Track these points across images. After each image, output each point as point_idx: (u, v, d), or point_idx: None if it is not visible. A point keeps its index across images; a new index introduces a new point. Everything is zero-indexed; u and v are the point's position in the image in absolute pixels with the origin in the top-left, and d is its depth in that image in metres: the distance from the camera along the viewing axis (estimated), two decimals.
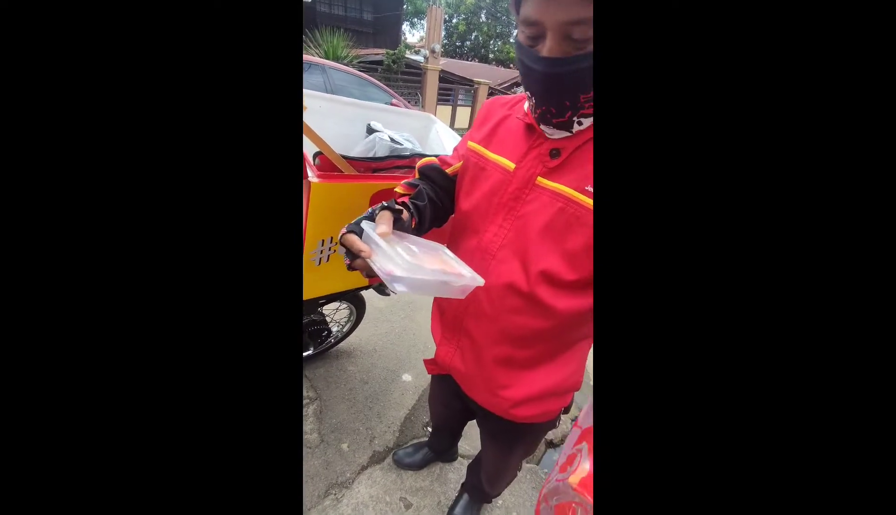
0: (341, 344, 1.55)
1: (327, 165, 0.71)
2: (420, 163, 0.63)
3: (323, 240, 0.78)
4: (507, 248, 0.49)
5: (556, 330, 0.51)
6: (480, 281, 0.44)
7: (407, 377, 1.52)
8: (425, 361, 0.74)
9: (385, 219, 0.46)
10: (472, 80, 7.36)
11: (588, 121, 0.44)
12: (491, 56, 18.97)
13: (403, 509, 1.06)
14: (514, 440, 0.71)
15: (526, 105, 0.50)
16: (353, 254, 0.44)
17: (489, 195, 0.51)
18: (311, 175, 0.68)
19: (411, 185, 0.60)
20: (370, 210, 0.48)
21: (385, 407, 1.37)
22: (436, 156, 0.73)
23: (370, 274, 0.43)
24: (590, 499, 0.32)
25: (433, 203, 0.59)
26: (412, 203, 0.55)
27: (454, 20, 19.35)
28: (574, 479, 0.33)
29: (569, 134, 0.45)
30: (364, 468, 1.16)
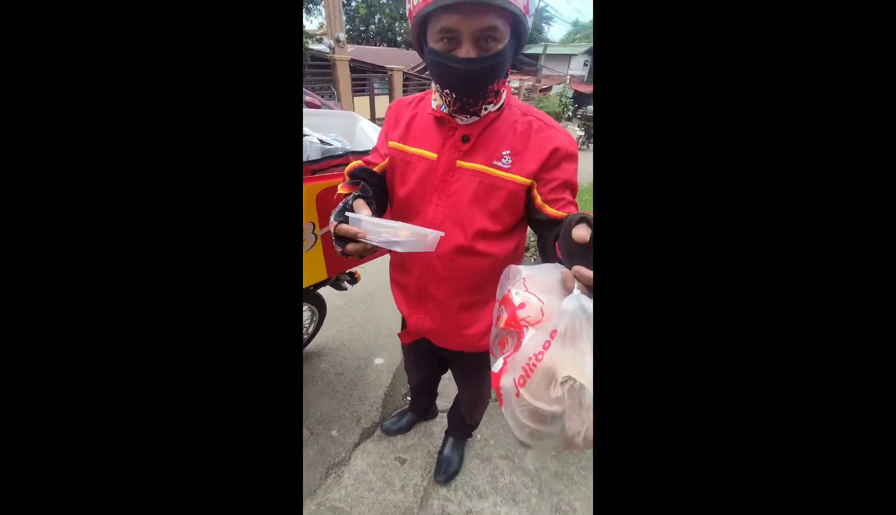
0: (309, 346, 1.60)
1: None
2: (348, 168, 0.71)
3: None
4: (447, 221, 0.63)
5: (494, 269, 0.66)
6: (441, 233, 0.54)
7: (379, 360, 1.63)
8: (399, 335, 0.88)
9: (362, 205, 0.58)
10: (384, 67, 7.23)
11: (491, 107, 0.58)
12: (399, 39, 18.55)
13: (399, 465, 1.21)
14: (483, 369, 0.88)
15: (434, 103, 0.63)
16: (344, 241, 0.53)
17: (420, 182, 0.64)
18: None
19: (352, 184, 0.68)
20: (342, 203, 0.59)
21: (364, 390, 1.48)
22: (361, 157, 0.85)
23: (362, 254, 0.54)
24: (518, 330, 0.41)
25: (375, 198, 0.70)
26: (363, 197, 0.65)
27: (353, 3, 18.40)
28: (501, 323, 0.45)
29: (478, 118, 0.59)
30: (357, 444, 1.27)
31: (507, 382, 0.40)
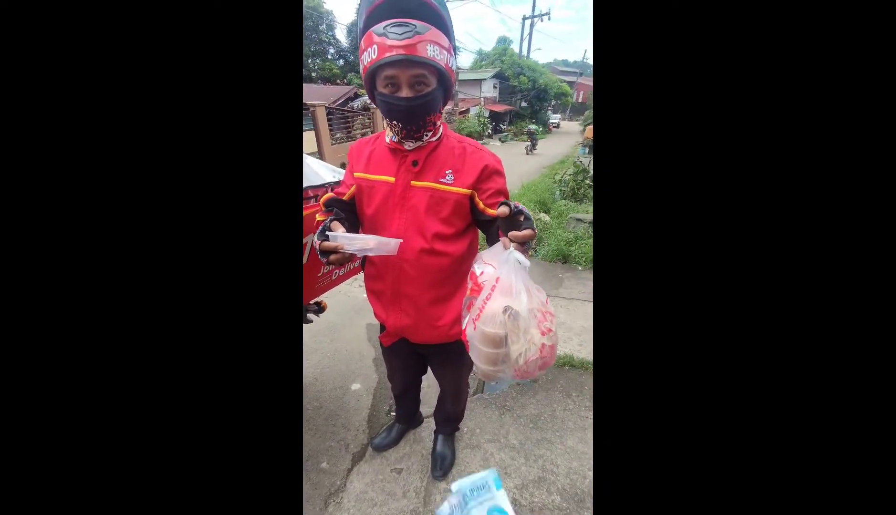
0: None
1: None
2: (322, 199, 0.87)
3: None
4: (409, 230, 0.79)
5: (454, 265, 0.83)
6: (400, 240, 0.73)
7: (356, 385, 1.65)
8: (380, 337, 0.97)
9: (338, 225, 0.75)
10: (306, 104, 7.21)
11: (429, 136, 0.77)
12: (314, 75, 18.53)
13: (397, 475, 1.25)
14: (458, 357, 1.01)
15: (388, 137, 0.80)
16: (327, 253, 0.69)
17: (384, 201, 0.80)
18: None
19: (327, 211, 0.85)
20: (321, 227, 0.74)
21: (347, 417, 1.49)
22: (324, 185, 0.98)
23: (342, 262, 0.70)
24: (479, 292, 0.55)
25: (348, 222, 0.86)
26: (336, 218, 0.81)
27: None
28: (468, 291, 0.59)
29: (421, 143, 0.77)
30: (349, 470, 1.28)
31: (469, 330, 0.54)
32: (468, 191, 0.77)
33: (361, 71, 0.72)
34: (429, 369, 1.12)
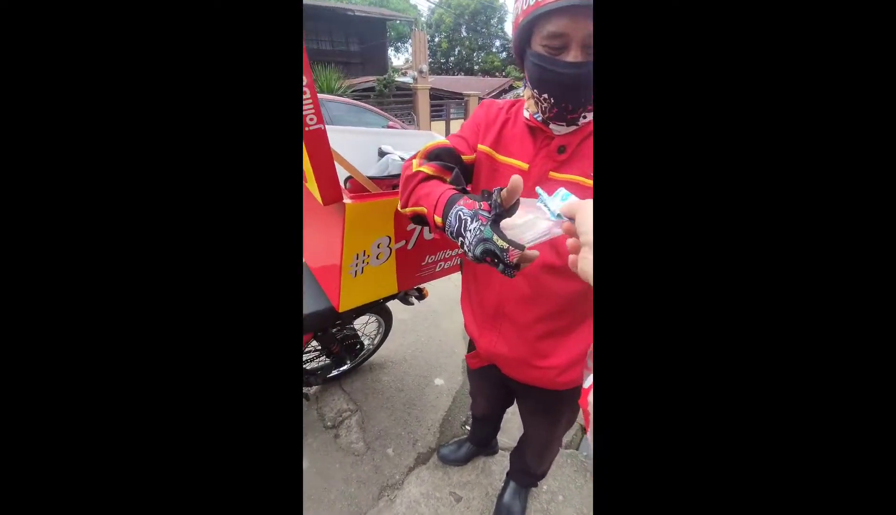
0: (373, 357, 1.63)
1: (356, 187, 0.81)
2: (431, 144, 0.62)
3: (358, 254, 0.87)
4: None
5: (585, 292, 0.58)
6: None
7: (439, 381, 1.58)
8: (467, 357, 0.81)
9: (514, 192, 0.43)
10: (461, 94, 7.59)
11: (590, 116, 0.52)
12: (476, 67, 19.44)
13: (454, 502, 1.11)
14: (558, 410, 0.77)
15: (527, 112, 0.58)
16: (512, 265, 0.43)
17: None
18: (345, 197, 0.77)
19: (446, 168, 0.59)
20: (473, 211, 0.45)
21: (423, 411, 1.43)
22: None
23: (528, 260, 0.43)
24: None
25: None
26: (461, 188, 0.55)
27: (436, 39, 19.96)
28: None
29: (576, 127, 0.53)
30: (411, 469, 1.21)
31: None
32: None
33: (514, 22, 0.52)
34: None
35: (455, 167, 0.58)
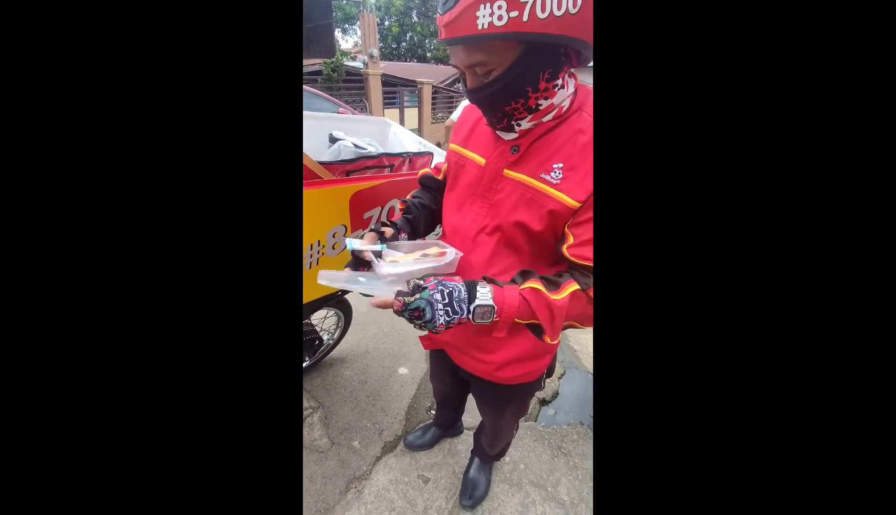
0: (333, 352, 1.58)
1: (307, 174, 0.77)
2: (420, 174, 0.76)
3: (311, 245, 0.83)
4: (483, 232, 0.59)
5: None
6: (460, 254, 0.57)
7: (403, 370, 1.58)
8: (420, 337, 0.82)
9: (370, 239, 0.60)
10: (414, 81, 7.43)
11: (525, 124, 0.54)
12: (429, 55, 19.11)
13: (422, 484, 1.14)
14: (503, 402, 0.82)
15: None
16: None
17: (468, 186, 0.61)
18: None
19: (404, 201, 0.73)
20: (374, 226, 0.62)
21: (387, 401, 1.43)
22: (401, 155, 0.83)
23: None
24: None
25: (428, 209, 0.73)
26: (403, 218, 0.69)
27: (386, 22, 19.22)
28: None
29: (514, 135, 0.55)
30: (378, 458, 1.21)
31: None
32: (575, 205, 0.50)
33: None
34: None
35: (409, 202, 0.71)
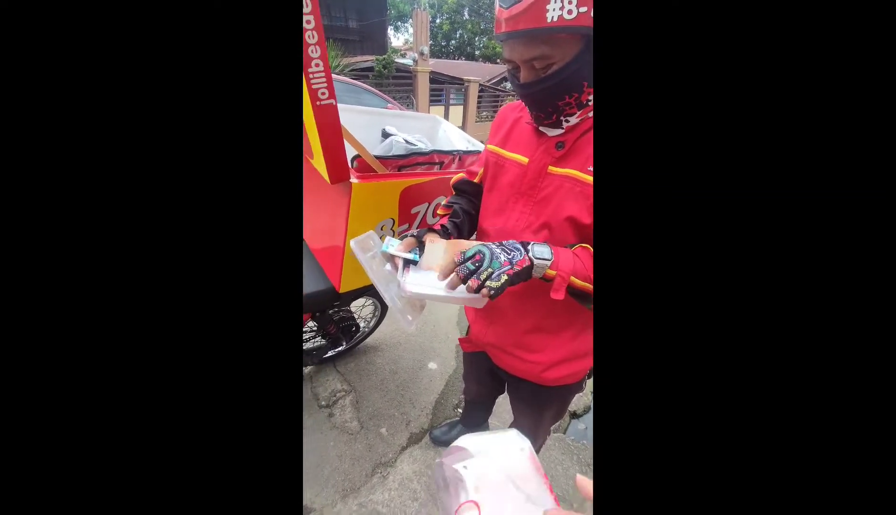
0: (368, 340, 1.64)
1: (363, 167, 0.80)
2: (453, 180, 0.76)
3: None
4: (528, 230, 0.59)
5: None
6: (480, 303, 0.55)
7: (433, 365, 1.60)
8: (460, 340, 0.83)
9: (435, 238, 0.60)
10: (462, 79, 7.45)
11: (573, 119, 0.53)
12: (477, 53, 19.03)
13: None
14: (544, 404, 0.80)
15: None
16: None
17: (509, 186, 0.61)
18: (352, 176, 0.76)
19: (447, 206, 0.72)
20: (417, 232, 0.62)
21: (416, 393, 1.45)
22: (445, 156, 0.84)
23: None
24: None
25: (469, 214, 0.72)
26: (450, 222, 0.68)
27: (437, 20, 19.40)
28: None
29: (561, 131, 0.55)
30: (404, 448, 1.24)
31: None
32: None
33: None
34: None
35: (453, 205, 0.71)
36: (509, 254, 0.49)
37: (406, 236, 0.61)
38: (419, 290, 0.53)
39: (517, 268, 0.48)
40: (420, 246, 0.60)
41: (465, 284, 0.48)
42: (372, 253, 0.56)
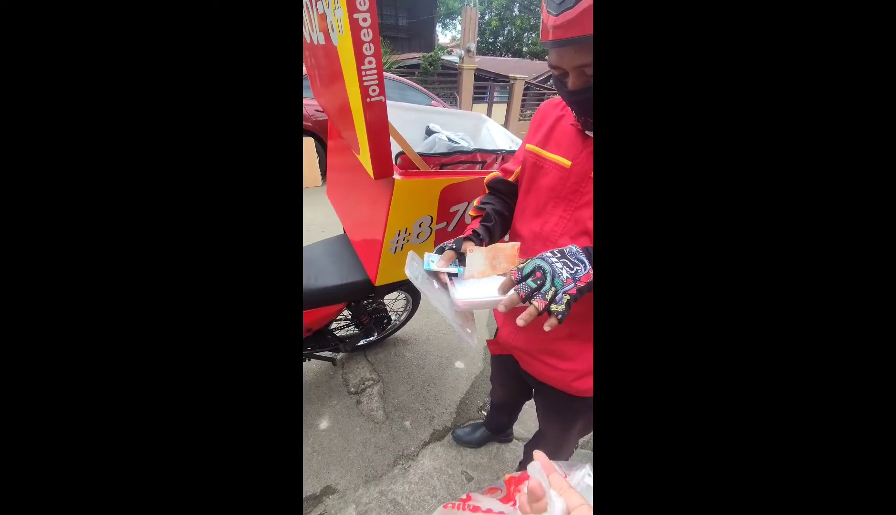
0: (398, 333, 1.67)
1: (406, 164, 0.81)
2: (486, 178, 0.73)
3: (400, 231, 0.88)
4: (566, 235, 0.56)
5: None
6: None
7: (459, 364, 1.60)
8: (488, 342, 0.81)
9: (471, 246, 0.58)
10: (507, 76, 7.31)
11: None
12: (525, 49, 18.60)
13: (465, 481, 1.14)
14: (574, 415, 0.76)
15: None
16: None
17: (549, 189, 0.58)
18: (395, 173, 0.77)
19: (480, 208, 0.70)
20: (454, 241, 0.60)
21: (441, 390, 1.46)
22: (489, 154, 0.81)
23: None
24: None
25: (502, 216, 0.69)
26: (482, 226, 0.66)
27: (486, 17, 19.21)
28: None
29: None
30: (426, 443, 1.25)
31: None
32: None
33: None
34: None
35: (485, 207, 0.68)
36: (572, 269, 0.45)
37: (444, 248, 0.60)
38: (470, 299, 0.51)
39: (580, 285, 0.45)
40: (460, 257, 0.59)
41: (525, 302, 0.45)
42: (423, 276, 0.55)
